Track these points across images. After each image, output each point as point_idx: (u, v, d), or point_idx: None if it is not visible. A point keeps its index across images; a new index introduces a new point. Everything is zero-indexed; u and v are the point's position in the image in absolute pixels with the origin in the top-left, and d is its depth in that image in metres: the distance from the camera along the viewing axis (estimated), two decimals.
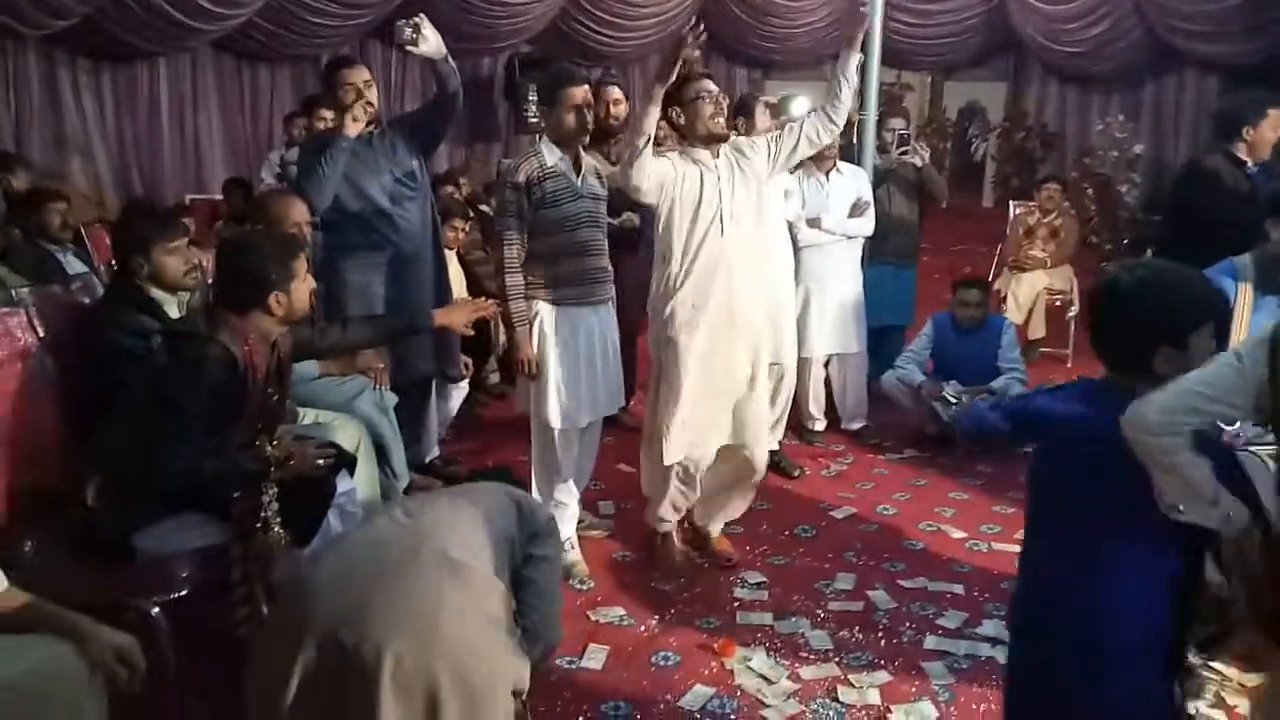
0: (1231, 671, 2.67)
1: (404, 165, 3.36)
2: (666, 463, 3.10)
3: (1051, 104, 10.79)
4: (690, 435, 3.09)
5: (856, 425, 4.62)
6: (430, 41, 3.15)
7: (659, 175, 2.95)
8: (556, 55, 9.40)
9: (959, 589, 3.14)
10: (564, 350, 3.11)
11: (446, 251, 4.53)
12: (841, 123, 3.15)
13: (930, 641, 2.83)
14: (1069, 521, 1.74)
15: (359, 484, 2.74)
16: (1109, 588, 1.67)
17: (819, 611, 3.01)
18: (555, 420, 3.13)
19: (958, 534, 3.56)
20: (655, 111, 2.81)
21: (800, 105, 6.85)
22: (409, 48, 3.14)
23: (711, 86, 3.02)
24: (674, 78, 2.79)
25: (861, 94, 4.69)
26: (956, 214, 10.37)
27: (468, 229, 4.76)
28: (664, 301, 3.07)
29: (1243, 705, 2.59)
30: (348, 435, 2.87)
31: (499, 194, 3.16)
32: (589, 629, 2.90)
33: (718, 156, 3.04)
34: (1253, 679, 2.66)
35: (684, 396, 3.05)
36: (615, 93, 4.12)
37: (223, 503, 2.27)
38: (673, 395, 3.07)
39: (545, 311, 3.11)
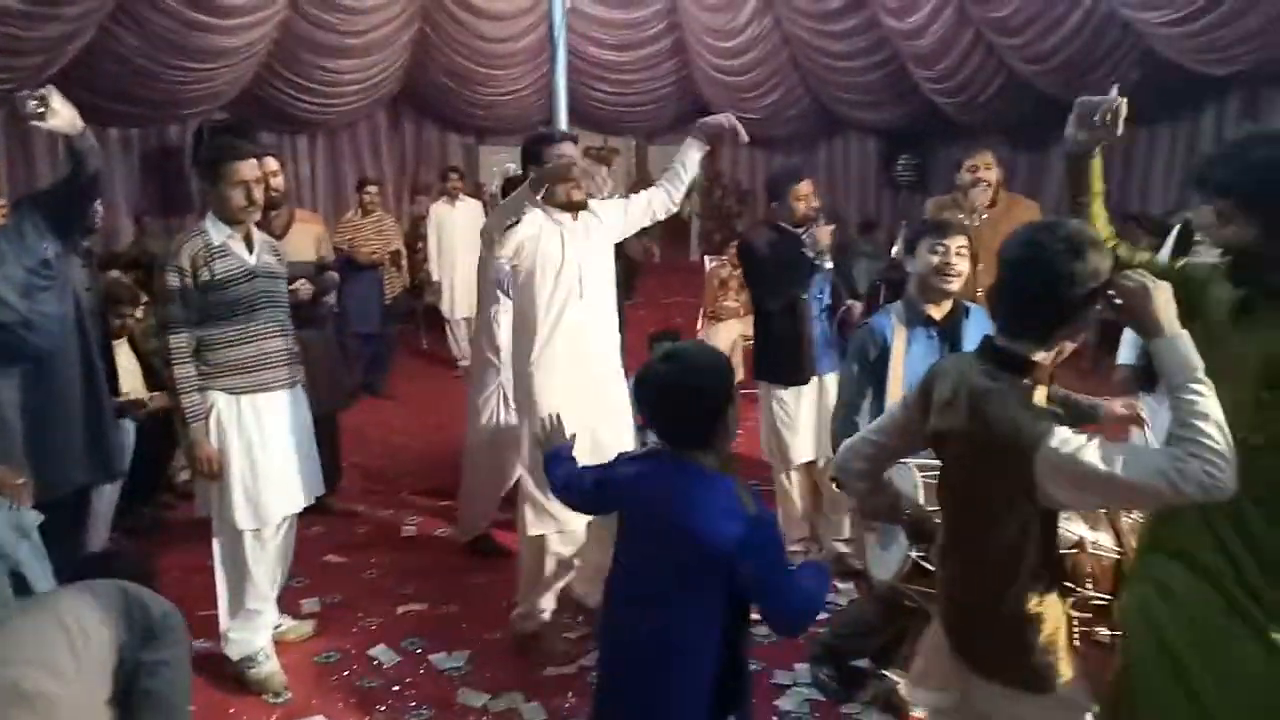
0: (900, 675, 2.97)
1: (36, 254, 2.94)
2: (555, 535, 3.06)
3: (743, 165, 11.86)
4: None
5: None
6: (61, 115, 2.73)
7: (519, 237, 2.92)
8: (253, 122, 8.95)
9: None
10: (247, 444, 2.90)
11: (116, 343, 4.14)
12: (679, 203, 3.27)
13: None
14: (638, 575, 1.91)
15: None
16: (664, 638, 1.84)
17: (535, 685, 3.00)
18: (243, 522, 2.91)
19: None
20: (531, 202, 2.82)
21: None
22: (35, 122, 2.70)
23: (571, 150, 3.04)
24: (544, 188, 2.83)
25: None
26: (668, 268, 11.06)
27: (140, 315, 4.34)
28: (524, 366, 3.02)
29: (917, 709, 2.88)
30: None
31: (159, 279, 2.89)
32: None
33: (576, 219, 3.03)
34: None
35: None
36: (272, 164, 3.90)
37: None
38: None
39: (223, 403, 2.89)
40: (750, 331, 6.31)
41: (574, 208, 3.03)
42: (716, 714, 1.85)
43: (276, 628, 3.17)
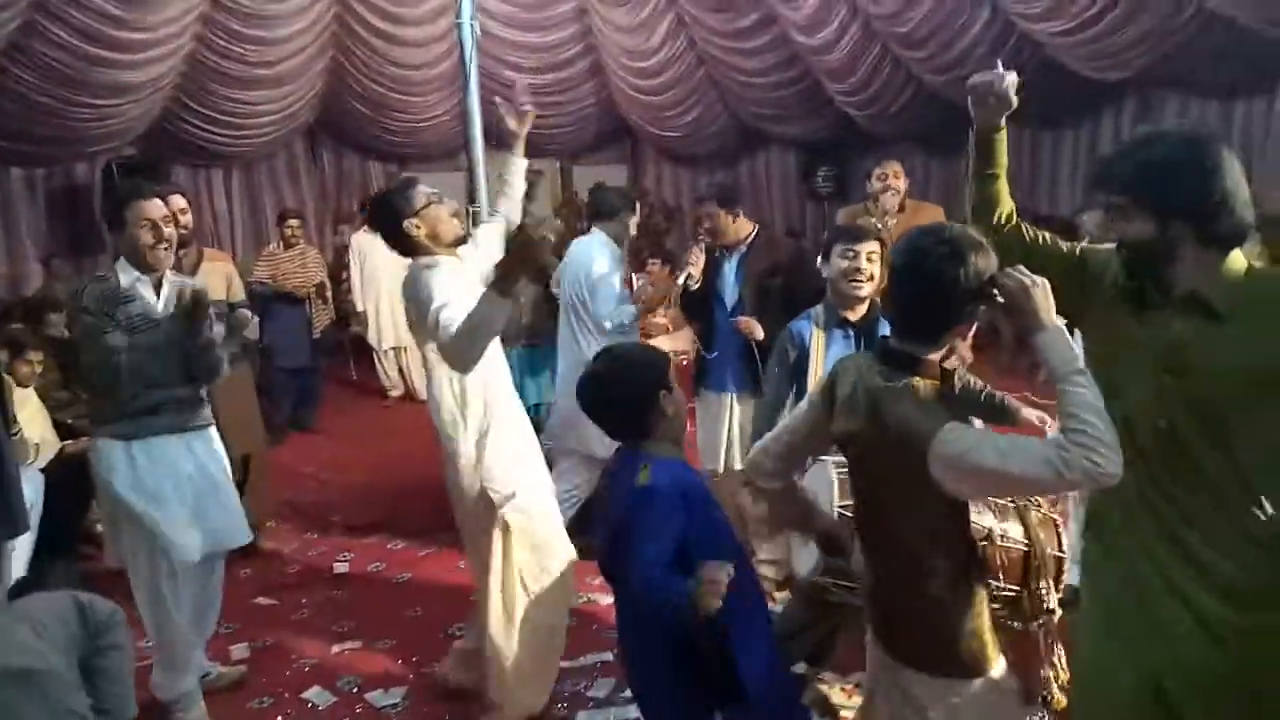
0: (835, 678, 3.02)
1: None
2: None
3: (667, 182, 11.95)
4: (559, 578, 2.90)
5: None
6: None
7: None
8: (164, 158, 8.73)
9: (608, 656, 3.25)
10: (150, 488, 2.80)
11: (22, 390, 3.99)
12: (516, 221, 3.16)
13: (581, 717, 2.90)
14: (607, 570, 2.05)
15: None
16: (625, 631, 2.02)
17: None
18: (154, 566, 2.83)
19: (608, 599, 3.69)
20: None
21: None
22: None
23: (432, 188, 2.80)
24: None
25: (470, 186, 4.86)
26: None
27: (42, 363, 4.18)
28: (475, 452, 2.72)
29: (847, 709, 2.93)
30: None
31: (74, 326, 2.85)
32: None
33: (460, 256, 2.82)
34: (850, 682, 3.03)
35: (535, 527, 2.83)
36: (179, 201, 3.81)
37: None
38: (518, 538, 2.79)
39: (118, 450, 2.80)
40: (681, 347, 6.42)
41: (459, 243, 2.83)
42: (701, 708, 1.92)
43: (205, 675, 3.09)
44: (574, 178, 12.06)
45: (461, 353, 2.42)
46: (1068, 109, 8.22)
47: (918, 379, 1.71)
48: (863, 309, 2.92)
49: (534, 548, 2.81)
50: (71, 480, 3.87)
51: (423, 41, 8.59)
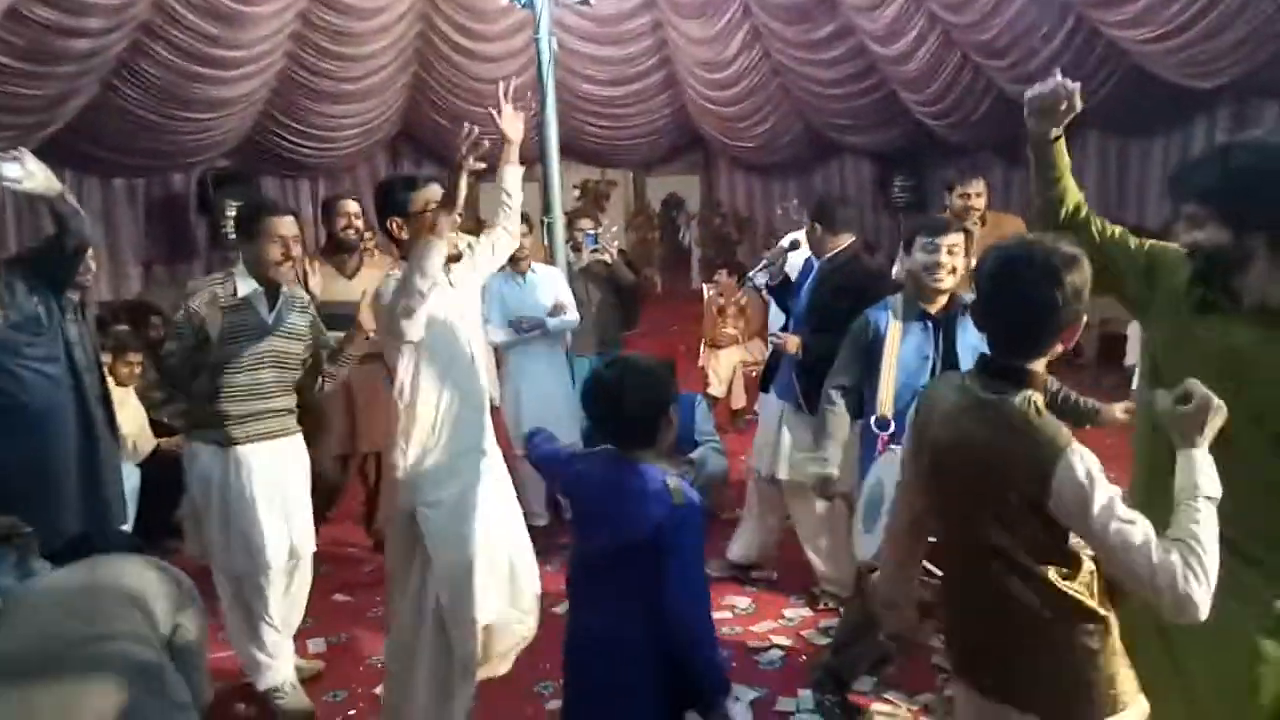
0: (900, 697, 2.98)
1: (24, 310, 2.96)
2: (470, 652, 2.66)
3: (740, 192, 11.94)
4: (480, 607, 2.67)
5: (540, 521, 4.72)
6: (37, 178, 2.71)
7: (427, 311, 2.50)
8: (255, 169, 9.11)
9: None
10: (235, 494, 2.92)
11: (121, 389, 4.20)
12: (518, 234, 2.98)
13: None
14: (587, 571, 2.03)
15: None
16: (613, 633, 1.94)
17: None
18: (239, 567, 2.97)
19: None
20: (443, 250, 2.43)
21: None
22: (9, 185, 2.69)
23: (438, 192, 2.58)
24: (458, 205, 2.42)
25: (545, 198, 4.96)
26: (670, 297, 11.14)
27: (142, 364, 4.41)
28: (415, 466, 2.60)
29: None
30: None
31: (178, 314, 2.94)
32: None
33: (450, 272, 2.68)
34: (919, 703, 2.98)
35: (471, 568, 2.61)
36: (353, 205, 4.14)
37: None
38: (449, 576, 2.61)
39: (208, 454, 2.93)
40: (750, 357, 6.40)
41: (447, 260, 2.60)
42: (673, 711, 1.91)
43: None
44: (647, 188, 12.16)
45: (391, 307, 2.41)
46: (1158, 118, 7.93)
47: (1032, 392, 1.62)
48: (943, 300, 2.84)
49: (453, 580, 2.63)
50: (165, 477, 4.07)
51: (501, 56, 8.78)
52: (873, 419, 2.80)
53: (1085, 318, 1.62)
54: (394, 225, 2.62)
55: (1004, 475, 1.59)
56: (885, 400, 2.78)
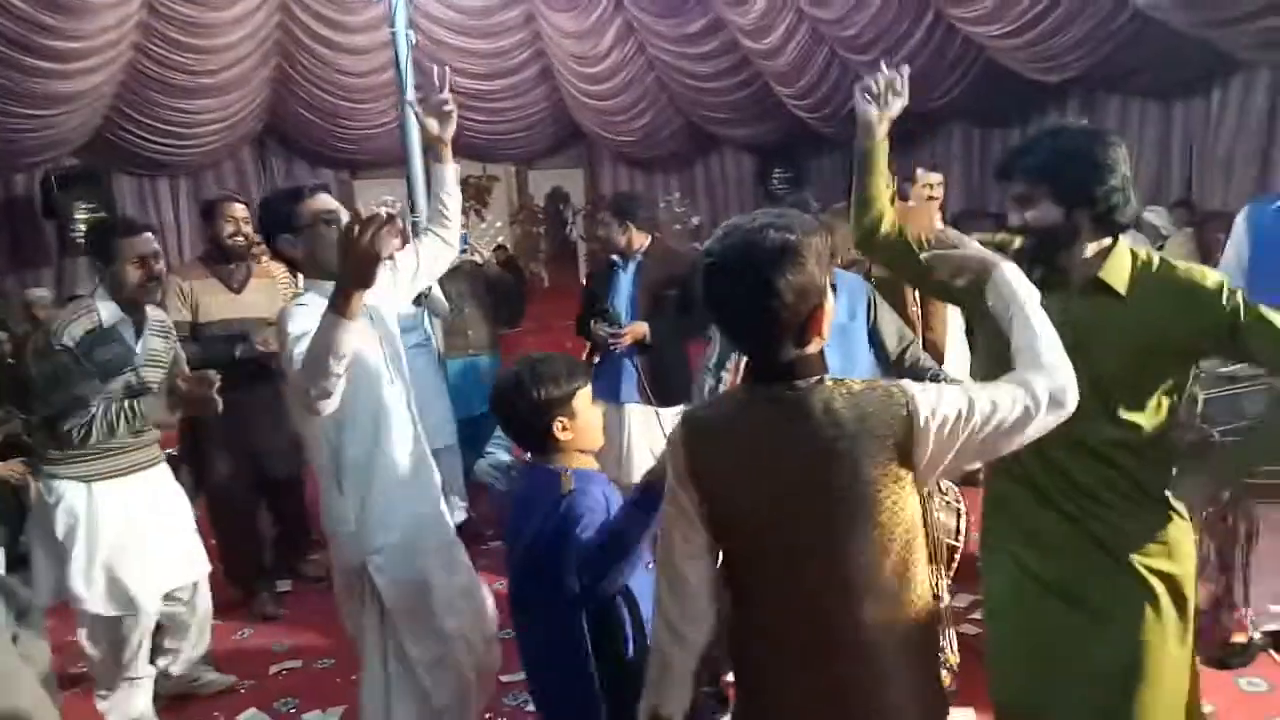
0: None
1: None
2: (446, 702, 2.42)
3: (624, 185, 11.94)
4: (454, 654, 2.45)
5: (459, 518, 4.63)
6: None
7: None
8: (106, 167, 8.58)
9: None
10: (107, 529, 2.77)
11: None
12: (456, 240, 2.65)
13: None
14: (516, 585, 1.98)
15: None
16: (545, 647, 1.91)
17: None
18: (100, 607, 2.79)
19: None
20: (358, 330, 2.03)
21: None
22: None
23: (332, 203, 2.34)
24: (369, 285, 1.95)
25: (410, 197, 4.82)
26: (557, 292, 11.05)
27: None
28: (358, 513, 2.30)
29: None
30: None
31: (42, 362, 2.68)
32: None
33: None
34: None
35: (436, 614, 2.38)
36: (240, 209, 3.69)
37: None
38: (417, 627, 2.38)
39: (73, 492, 2.76)
40: None
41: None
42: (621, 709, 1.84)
43: (194, 680, 3.17)
44: (530, 183, 12.04)
45: (301, 386, 2.01)
46: (1014, 110, 8.35)
47: (825, 378, 1.43)
48: None
49: (416, 629, 2.42)
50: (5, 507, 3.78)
51: (367, 49, 8.53)
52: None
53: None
54: (283, 244, 2.31)
55: (855, 467, 1.34)
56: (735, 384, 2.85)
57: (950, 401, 1.36)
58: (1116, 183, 1.71)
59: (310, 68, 8.70)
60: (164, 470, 2.97)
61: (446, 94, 2.48)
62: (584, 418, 1.93)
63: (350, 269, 1.88)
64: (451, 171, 2.61)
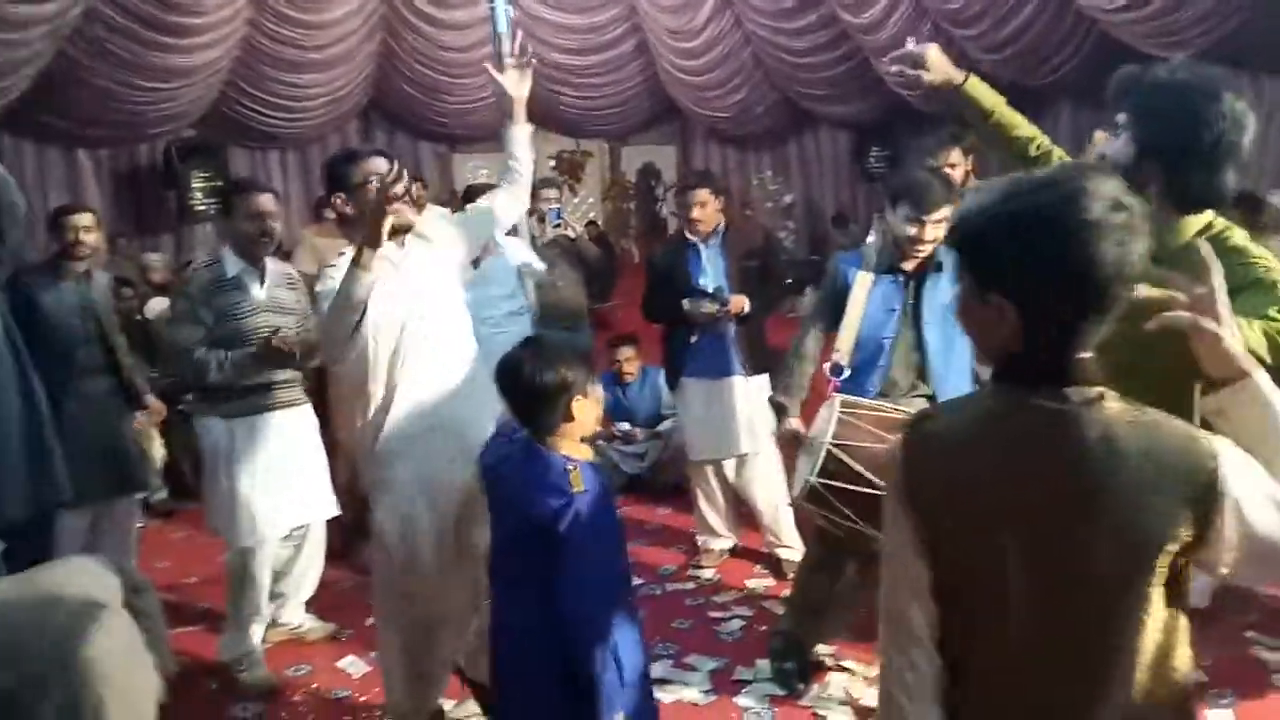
0: (858, 666, 3.01)
1: None
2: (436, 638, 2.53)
3: (716, 162, 11.87)
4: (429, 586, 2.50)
5: None
6: None
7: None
8: (223, 140, 8.97)
9: None
10: (244, 466, 3.00)
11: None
12: (526, 198, 2.78)
13: None
14: (500, 557, 2.04)
15: None
16: (526, 621, 1.93)
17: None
18: (241, 539, 3.03)
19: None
20: (367, 282, 2.23)
21: None
22: None
23: (384, 166, 2.42)
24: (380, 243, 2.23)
25: None
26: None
27: None
28: (371, 440, 2.46)
29: (868, 697, 2.92)
30: None
31: (175, 302, 3.06)
32: None
33: (403, 246, 2.45)
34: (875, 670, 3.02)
35: (422, 553, 2.46)
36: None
37: None
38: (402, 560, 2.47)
39: (220, 429, 3.02)
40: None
41: (397, 233, 2.40)
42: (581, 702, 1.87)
43: (298, 627, 3.38)
44: (623, 158, 12.07)
45: (324, 334, 2.28)
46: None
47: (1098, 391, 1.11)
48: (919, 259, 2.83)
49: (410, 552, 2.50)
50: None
51: (467, 24, 8.67)
52: (827, 365, 2.86)
53: None
54: (337, 201, 2.47)
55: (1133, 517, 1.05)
56: (844, 349, 2.83)
57: (1266, 489, 1.04)
58: (1205, 143, 1.49)
59: (413, 43, 8.90)
60: (303, 412, 3.18)
61: (519, 58, 2.62)
62: (593, 403, 1.98)
63: (365, 227, 2.19)
64: (522, 131, 2.68)
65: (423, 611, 2.52)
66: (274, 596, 3.29)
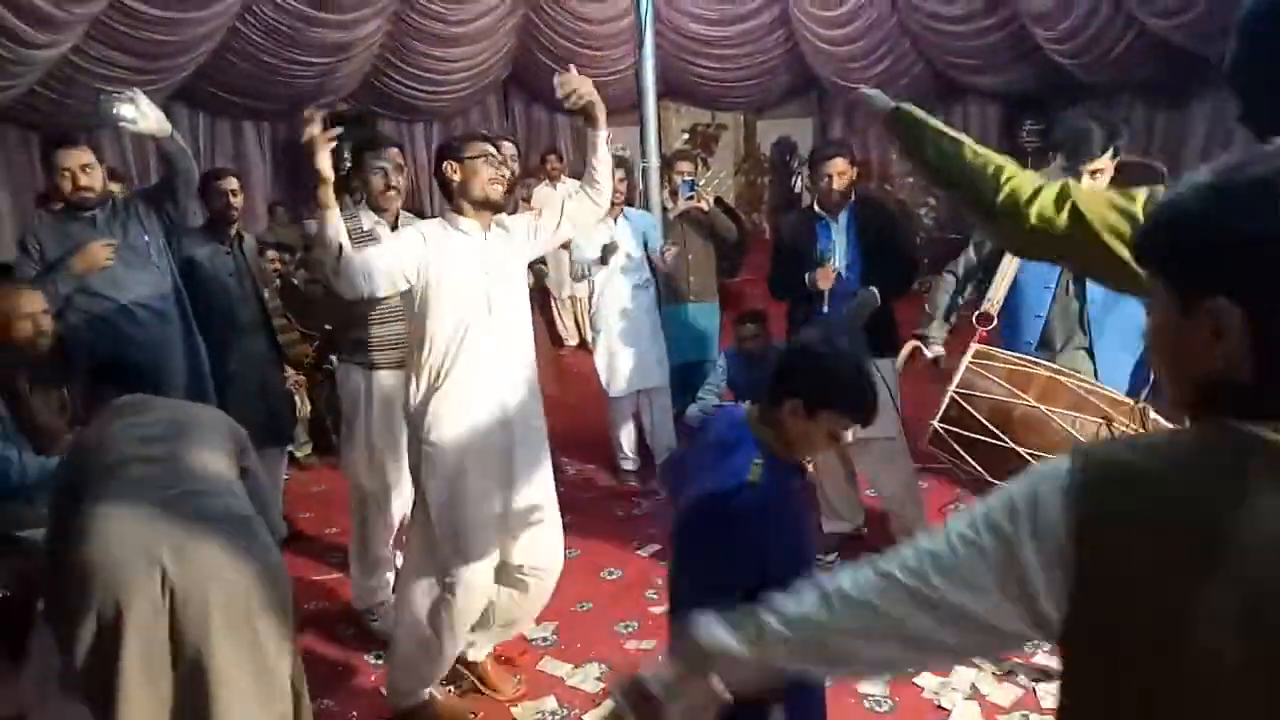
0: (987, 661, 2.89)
1: (134, 243, 3.25)
2: (463, 609, 2.61)
3: (856, 136, 11.50)
4: (478, 565, 2.61)
5: (629, 466, 4.76)
6: (149, 118, 2.96)
7: (398, 264, 2.51)
8: (373, 113, 9.36)
9: None
10: (375, 415, 3.15)
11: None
12: (605, 203, 2.81)
13: None
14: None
15: None
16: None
17: (616, 656, 3.08)
18: (364, 479, 3.21)
19: None
20: (333, 221, 2.44)
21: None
22: (124, 125, 2.92)
23: (491, 149, 2.63)
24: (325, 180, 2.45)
25: (642, 142, 4.91)
26: None
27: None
28: (423, 402, 2.58)
29: (996, 694, 2.81)
30: None
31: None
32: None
33: (488, 229, 2.65)
34: (1004, 668, 2.90)
35: (466, 519, 2.58)
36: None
37: None
38: (446, 523, 2.59)
39: (362, 378, 3.17)
40: None
41: (488, 207, 2.62)
42: None
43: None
44: (758, 132, 11.88)
45: (329, 272, 2.51)
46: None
47: None
48: None
49: (455, 534, 2.60)
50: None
51: None
52: (976, 313, 2.87)
53: None
54: (445, 168, 2.64)
55: None
56: (996, 298, 2.85)
57: None
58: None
59: (554, 15, 9.01)
60: None
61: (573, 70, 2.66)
62: (823, 437, 1.78)
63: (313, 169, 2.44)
64: (601, 136, 2.71)
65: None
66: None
